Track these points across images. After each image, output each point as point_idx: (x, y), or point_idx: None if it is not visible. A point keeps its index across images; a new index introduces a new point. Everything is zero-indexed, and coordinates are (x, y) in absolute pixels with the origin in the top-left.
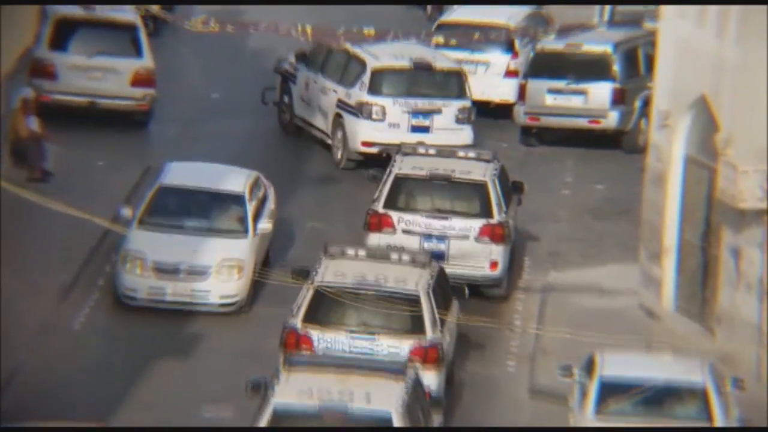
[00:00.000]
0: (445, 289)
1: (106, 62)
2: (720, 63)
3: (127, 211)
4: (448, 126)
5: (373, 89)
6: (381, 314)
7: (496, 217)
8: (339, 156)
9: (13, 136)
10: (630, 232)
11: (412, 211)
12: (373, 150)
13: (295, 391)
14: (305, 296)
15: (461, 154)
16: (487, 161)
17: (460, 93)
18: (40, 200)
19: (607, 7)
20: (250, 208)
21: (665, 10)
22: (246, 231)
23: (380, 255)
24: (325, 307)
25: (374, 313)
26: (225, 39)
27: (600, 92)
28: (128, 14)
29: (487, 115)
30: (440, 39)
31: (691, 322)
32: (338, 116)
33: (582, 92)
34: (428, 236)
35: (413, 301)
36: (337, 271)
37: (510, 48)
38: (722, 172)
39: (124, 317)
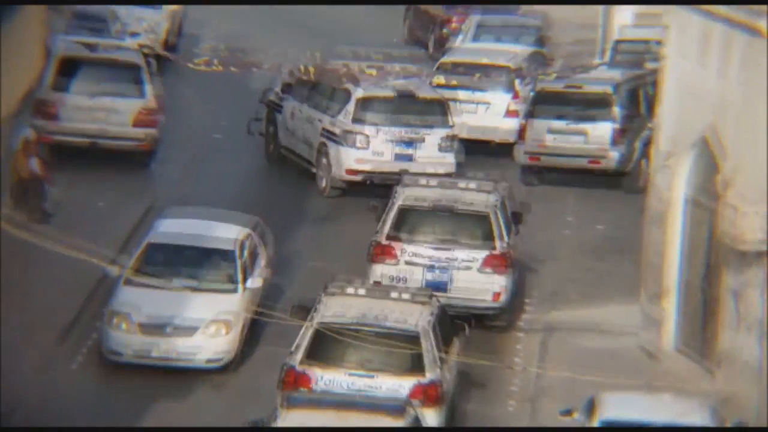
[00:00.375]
0: (446, 325)
1: (108, 103)
2: (721, 103)
3: (113, 270)
4: (431, 154)
5: (358, 118)
6: (381, 353)
7: (498, 248)
8: (323, 184)
9: (15, 176)
10: (631, 272)
11: (416, 242)
12: (357, 178)
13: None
14: (305, 335)
15: (462, 185)
16: (488, 192)
17: (443, 121)
18: (40, 241)
19: (609, 47)
20: (240, 263)
21: (667, 50)
22: (235, 287)
23: (380, 293)
24: (325, 346)
25: (374, 352)
26: (227, 78)
27: (600, 132)
28: (131, 54)
29: (488, 154)
30: (441, 79)
31: (691, 362)
32: (323, 145)
33: (582, 132)
34: (431, 267)
35: (413, 339)
36: (336, 309)
37: (510, 88)
38: (723, 213)
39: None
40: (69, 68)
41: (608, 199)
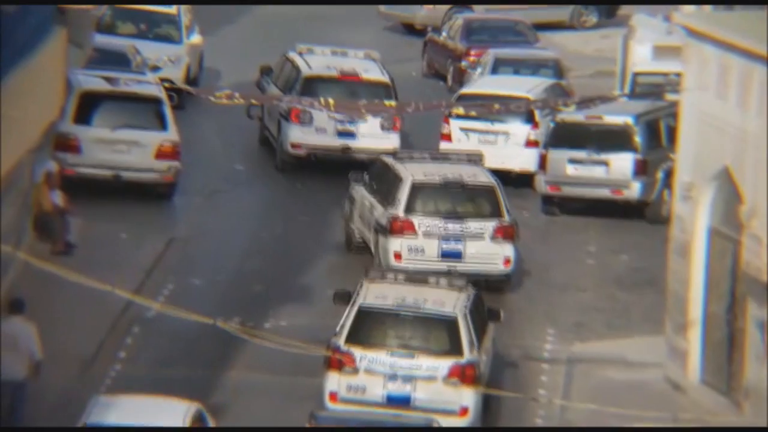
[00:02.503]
0: (481, 312)
1: (130, 135)
2: (742, 135)
3: None
4: (373, 132)
5: (303, 95)
6: (420, 335)
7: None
8: (277, 159)
9: (37, 209)
10: (655, 303)
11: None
12: (301, 153)
13: None
14: (348, 317)
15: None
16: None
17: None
18: (63, 273)
19: (628, 78)
20: None
21: (686, 81)
22: None
23: (418, 279)
24: (367, 328)
25: (413, 334)
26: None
27: (622, 163)
28: (152, 88)
29: (508, 183)
30: (461, 110)
31: (717, 395)
32: (279, 122)
33: (603, 163)
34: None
35: (451, 322)
36: (378, 293)
37: (530, 119)
38: (747, 244)
39: (145, 390)
40: (90, 102)
41: (631, 230)
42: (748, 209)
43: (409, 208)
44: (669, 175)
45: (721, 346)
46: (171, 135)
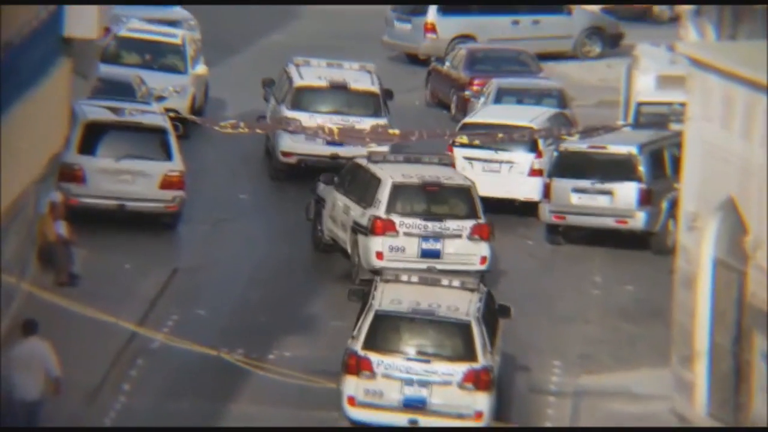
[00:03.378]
0: (492, 310)
1: (135, 165)
2: (747, 165)
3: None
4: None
5: (295, 105)
6: (435, 340)
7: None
8: (270, 168)
9: (41, 240)
10: (661, 335)
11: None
12: (292, 161)
13: None
14: (364, 322)
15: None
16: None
17: (376, 112)
18: (67, 304)
19: (632, 108)
20: None
21: (691, 111)
22: None
23: (431, 280)
24: (383, 333)
25: (429, 339)
26: (254, 139)
27: (626, 192)
28: (157, 118)
29: (513, 212)
30: (465, 138)
31: (724, 427)
32: (273, 132)
33: (608, 192)
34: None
35: (465, 327)
36: (393, 296)
37: (534, 148)
38: (752, 275)
39: (151, 422)
40: (95, 132)
41: (636, 260)
42: (753, 240)
43: (390, 209)
44: (674, 205)
45: (727, 379)
46: (176, 165)
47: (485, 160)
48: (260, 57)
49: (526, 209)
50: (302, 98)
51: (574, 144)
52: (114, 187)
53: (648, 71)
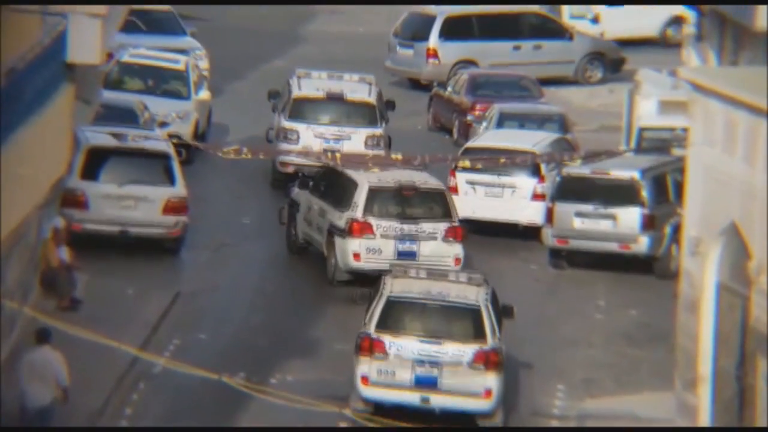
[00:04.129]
0: (497, 308)
1: (137, 191)
2: (749, 189)
3: None
4: (357, 150)
5: (293, 116)
6: (446, 323)
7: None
8: (271, 177)
9: (44, 265)
10: (665, 359)
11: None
12: (289, 170)
13: None
14: (376, 307)
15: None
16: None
17: (372, 122)
18: (69, 329)
19: (634, 133)
20: None
21: (693, 136)
22: None
23: (439, 275)
24: (396, 316)
25: (439, 322)
26: (255, 164)
27: (629, 217)
28: (160, 143)
29: (516, 236)
30: (467, 163)
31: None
32: (274, 143)
33: (611, 217)
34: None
35: (475, 311)
36: (403, 287)
37: (536, 172)
38: (755, 300)
39: None
40: (98, 158)
41: (639, 284)
42: (757, 264)
43: (367, 211)
44: (677, 230)
45: (731, 403)
46: (179, 190)
47: (488, 185)
48: (263, 82)
49: (528, 233)
50: (300, 109)
51: (577, 169)
52: (117, 212)
53: (650, 96)
